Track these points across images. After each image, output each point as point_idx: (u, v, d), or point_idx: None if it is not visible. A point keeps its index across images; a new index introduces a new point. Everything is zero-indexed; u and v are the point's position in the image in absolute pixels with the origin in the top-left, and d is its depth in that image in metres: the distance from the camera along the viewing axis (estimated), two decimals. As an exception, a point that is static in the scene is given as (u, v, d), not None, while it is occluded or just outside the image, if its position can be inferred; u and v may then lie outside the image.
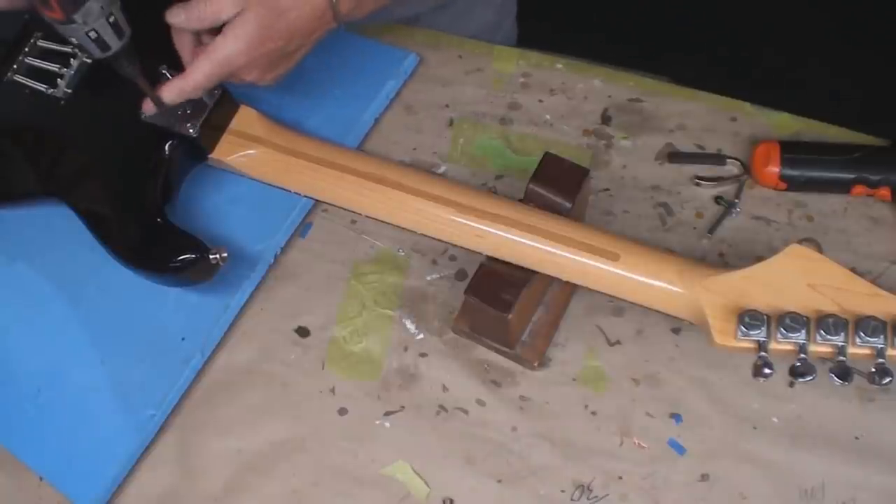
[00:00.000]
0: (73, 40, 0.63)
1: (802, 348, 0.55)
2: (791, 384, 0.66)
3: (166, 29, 0.69)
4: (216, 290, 0.71)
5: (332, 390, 0.70)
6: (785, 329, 0.55)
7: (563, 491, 0.64)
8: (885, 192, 0.70)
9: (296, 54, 0.68)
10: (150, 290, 0.71)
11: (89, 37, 0.62)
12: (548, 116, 0.79)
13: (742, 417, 0.65)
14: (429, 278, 0.73)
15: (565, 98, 0.80)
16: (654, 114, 0.78)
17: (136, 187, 0.71)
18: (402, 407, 0.69)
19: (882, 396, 0.65)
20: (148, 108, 0.70)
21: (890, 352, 0.54)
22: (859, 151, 0.71)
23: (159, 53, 0.73)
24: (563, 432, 0.66)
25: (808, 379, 0.55)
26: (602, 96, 0.80)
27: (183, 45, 0.68)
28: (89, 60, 0.76)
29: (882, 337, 0.54)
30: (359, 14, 0.68)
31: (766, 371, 0.55)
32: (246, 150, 0.72)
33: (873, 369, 0.54)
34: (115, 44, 0.63)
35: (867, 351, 0.54)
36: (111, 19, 0.62)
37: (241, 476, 0.67)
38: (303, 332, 0.72)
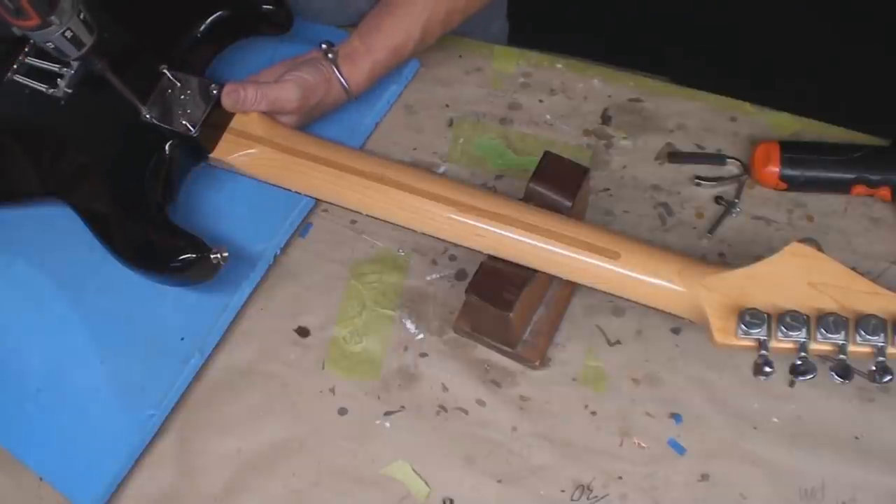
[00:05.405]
0: (50, 45, 0.64)
1: (803, 347, 0.55)
2: (791, 383, 0.66)
3: (166, 29, 0.69)
4: (216, 290, 0.71)
5: (332, 390, 0.69)
6: (785, 327, 0.55)
7: (563, 491, 0.64)
8: (885, 192, 0.70)
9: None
10: (149, 289, 0.71)
11: (65, 36, 0.64)
12: (548, 116, 0.79)
13: (742, 417, 0.65)
14: (429, 278, 0.73)
15: (565, 98, 0.80)
16: (654, 114, 0.78)
17: (137, 187, 0.71)
18: (402, 407, 0.68)
19: (882, 396, 0.65)
20: None
21: (890, 350, 0.54)
22: (859, 151, 0.71)
23: (159, 53, 0.74)
24: (563, 432, 0.66)
25: (809, 377, 0.54)
26: (602, 96, 0.80)
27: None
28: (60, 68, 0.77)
29: (882, 335, 0.54)
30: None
31: (767, 370, 0.55)
32: (246, 149, 0.72)
33: (874, 367, 0.54)
34: (87, 40, 0.65)
35: (868, 349, 0.54)
36: (81, 16, 0.64)
37: (241, 476, 0.67)
38: (303, 332, 0.72)
